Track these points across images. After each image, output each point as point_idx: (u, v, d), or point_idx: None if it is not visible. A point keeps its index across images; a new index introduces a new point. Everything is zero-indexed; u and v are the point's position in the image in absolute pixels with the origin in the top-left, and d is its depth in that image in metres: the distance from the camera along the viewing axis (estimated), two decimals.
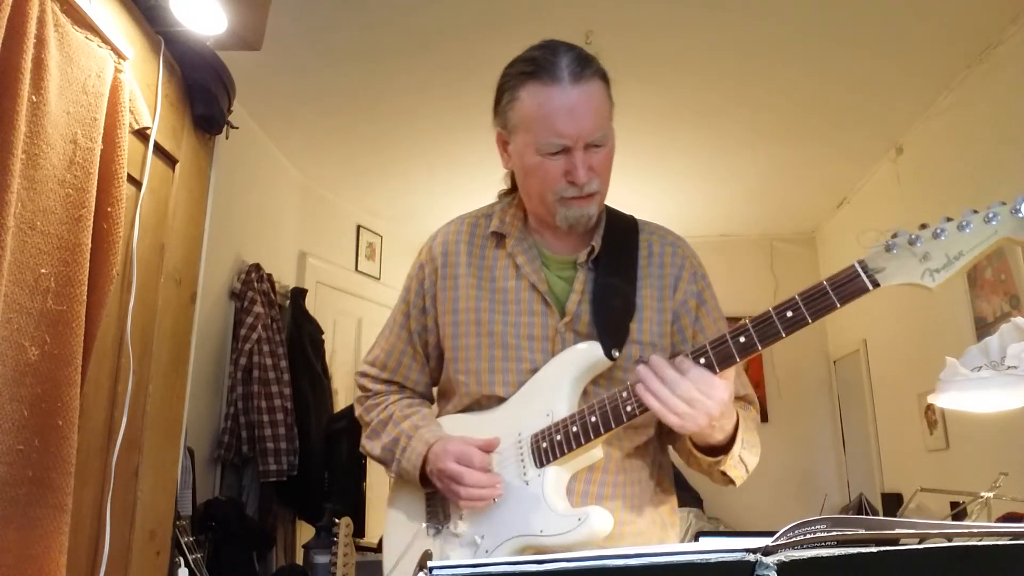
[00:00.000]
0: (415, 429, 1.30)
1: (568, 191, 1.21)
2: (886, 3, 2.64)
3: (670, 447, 1.38)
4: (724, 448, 1.17)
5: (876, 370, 4.15)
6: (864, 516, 2.48)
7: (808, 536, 0.59)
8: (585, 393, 1.23)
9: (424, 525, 1.29)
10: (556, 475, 1.19)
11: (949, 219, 0.96)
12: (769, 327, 1.04)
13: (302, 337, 3.62)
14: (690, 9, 2.70)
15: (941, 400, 1.76)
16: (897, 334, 3.80)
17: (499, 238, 1.34)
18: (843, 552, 0.58)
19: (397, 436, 1.32)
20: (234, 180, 3.22)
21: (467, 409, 1.32)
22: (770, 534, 0.59)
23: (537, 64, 1.20)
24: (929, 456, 3.45)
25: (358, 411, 1.45)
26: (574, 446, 1.15)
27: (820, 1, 2.64)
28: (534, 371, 1.25)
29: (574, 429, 1.16)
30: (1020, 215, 0.91)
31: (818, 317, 1.01)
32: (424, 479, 1.27)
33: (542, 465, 1.18)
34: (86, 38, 1.48)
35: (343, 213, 4.49)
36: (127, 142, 1.58)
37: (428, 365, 1.41)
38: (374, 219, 4.70)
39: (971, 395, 1.68)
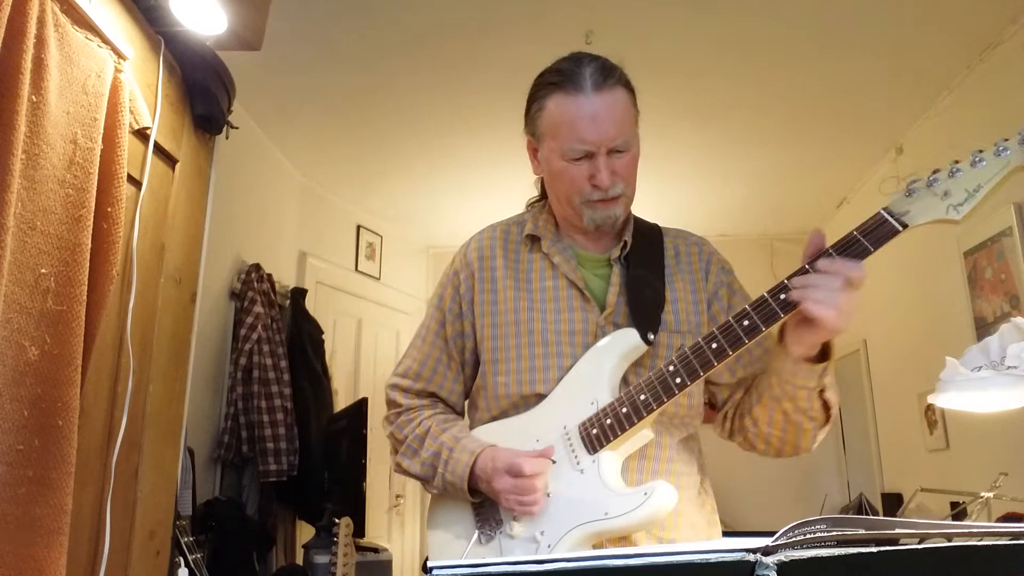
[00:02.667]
0: (456, 441, 1.30)
1: (593, 194, 1.26)
2: (886, 3, 2.64)
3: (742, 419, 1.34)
4: (823, 357, 1.15)
5: (876, 370, 4.15)
6: (864, 516, 2.48)
7: (808, 536, 0.59)
8: (626, 383, 1.25)
9: (476, 534, 1.28)
10: (611, 459, 1.20)
11: (957, 161, 1.03)
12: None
13: (302, 337, 3.62)
14: (690, 10, 2.70)
15: (941, 400, 1.76)
16: (897, 334, 3.80)
17: (533, 240, 1.38)
18: (843, 552, 0.58)
19: (438, 450, 1.30)
20: (234, 180, 3.22)
21: (503, 413, 1.32)
22: (770, 534, 0.59)
23: (563, 75, 1.26)
24: (929, 456, 3.45)
25: (388, 429, 1.42)
26: (627, 427, 1.17)
27: (820, 2, 2.64)
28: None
29: (624, 410, 1.17)
30: None
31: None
32: (471, 490, 1.26)
33: (595, 451, 1.20)
34: (86, 38, 1.48)
35: (343, 213, 4.49)
36: (127, 142, 1.58)
37: (463, 373, 1.40)
38: (374, 219, 4.70)
39: (971, 395, 1.68)
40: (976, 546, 0.61)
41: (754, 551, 0.58)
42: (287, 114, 3.48)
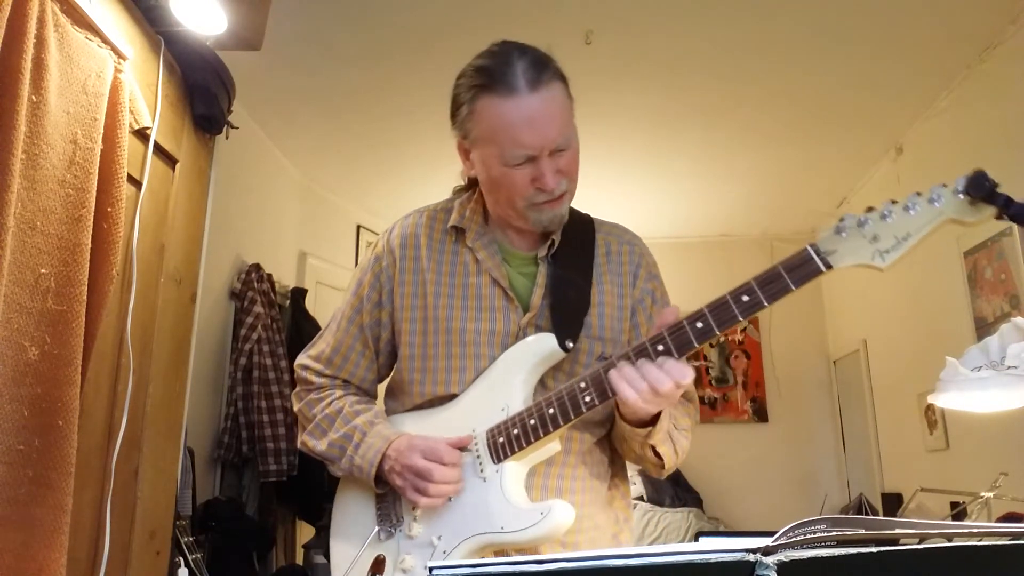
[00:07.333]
0: (370, 425, 1.26)
1: (538, 197, 1.19)
2: (886, 3, 2.64)
3: None
4: (652, 421, 1.16)
5: (876, 370, 4.15)
6: (864, 516, 2.48)
7: (808, 536, 0.59)
8: (544, 387, 1.22)
9: (376, 529, 1.25)
10: (514, 470, 1.17)
11: (894, 201, 0.97)
12: (726, 311, 1.03)
13: (302, 337, 3.62)
14: (690, 9, 2.70)
15: (941, 400, 1.76)
16: (897, 334, 3.80)
17: (458, 232, 1.31)
18: (843, 552, 0.58)
19: (349, 432, 1.26)
20: (234, 180, 3.22)
21: (418, 408, 1.28)
22: (770, 534, 0.59)
23: (491, 75, 1.15)
24: (929, 456, 3.46)
25: (297, 405, 1.36)
26: (532, 439, 1.14)
27: (820, 1, 2.64)
28: None
29: (532, 422, 1.14)
30: (961, 197, 0.94)
31: (774, 300, 1.01)
32: (377, 479, 1.23)
33: (499, 460, 1.16)
34: (86, 38, 1.48)
35: (343, 213, 4.49)
36: (127, 142, 1.58)
37: (377, 361, 1.35)
38: (374, 219, 4.70)
39: (971, 395, 1.68)
40: (976, 546, 0.61)
41: (754, 551, 0.58)
42: (287, 114, 3.48)
